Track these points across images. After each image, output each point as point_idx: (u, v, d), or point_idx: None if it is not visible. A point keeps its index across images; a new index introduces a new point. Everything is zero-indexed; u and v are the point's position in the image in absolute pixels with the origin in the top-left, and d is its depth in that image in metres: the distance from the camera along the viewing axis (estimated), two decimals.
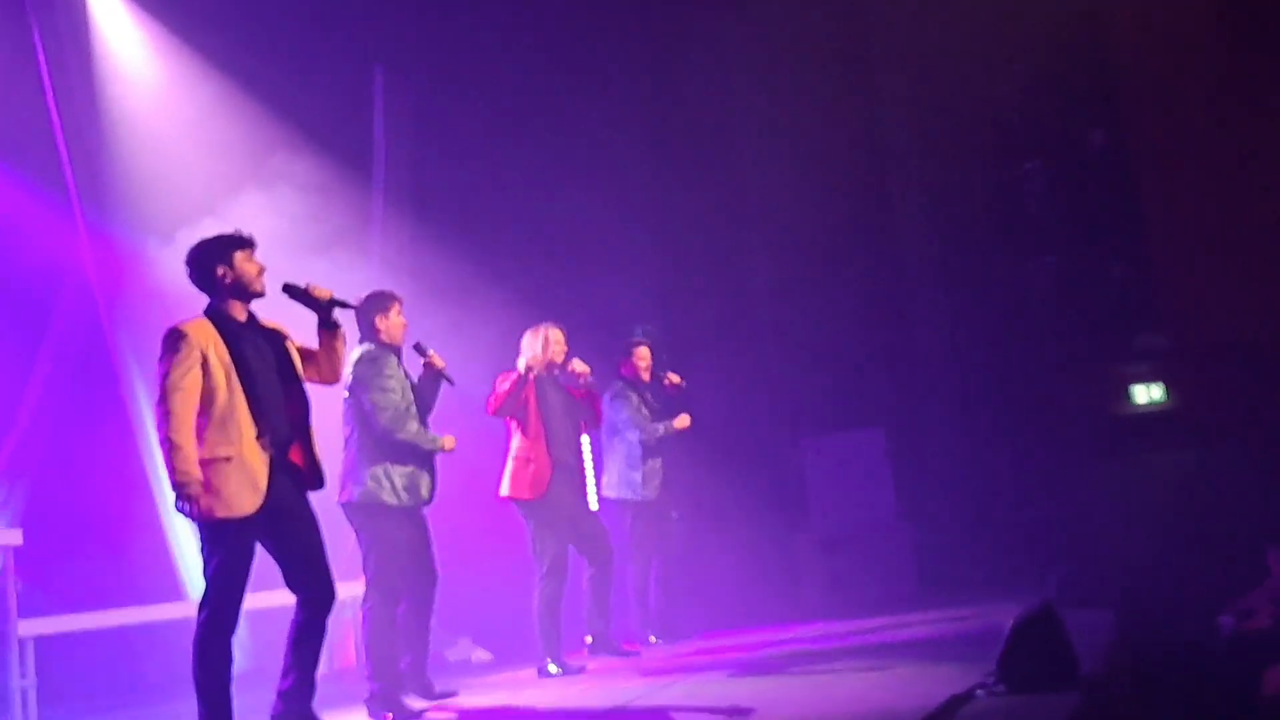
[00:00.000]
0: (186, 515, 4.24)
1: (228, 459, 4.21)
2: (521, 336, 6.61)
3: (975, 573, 8.60)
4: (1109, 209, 9.23)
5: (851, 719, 4.04)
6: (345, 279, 8.11)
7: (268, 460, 4.30)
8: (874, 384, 9.62)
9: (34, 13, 7.82)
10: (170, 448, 4.15)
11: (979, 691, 3.96)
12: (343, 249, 8.50)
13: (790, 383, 9.95)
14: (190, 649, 4.29)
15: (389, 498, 5.36)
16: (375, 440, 5.39)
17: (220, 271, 4.40)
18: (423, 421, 5.56)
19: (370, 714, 5.29)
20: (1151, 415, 8.44)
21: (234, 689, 4.31)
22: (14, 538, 6.76)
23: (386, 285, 8.75)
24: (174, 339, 4.26)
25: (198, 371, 4.21)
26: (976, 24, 9.08)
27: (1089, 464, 8.15)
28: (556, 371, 6.53)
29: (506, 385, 6.30)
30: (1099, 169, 9.42)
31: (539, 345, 6.45)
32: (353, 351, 5.47)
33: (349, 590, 7.83)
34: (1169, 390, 8.42)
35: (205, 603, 4.29)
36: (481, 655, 8.17)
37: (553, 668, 6.24)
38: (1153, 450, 8.03)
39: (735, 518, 9.38)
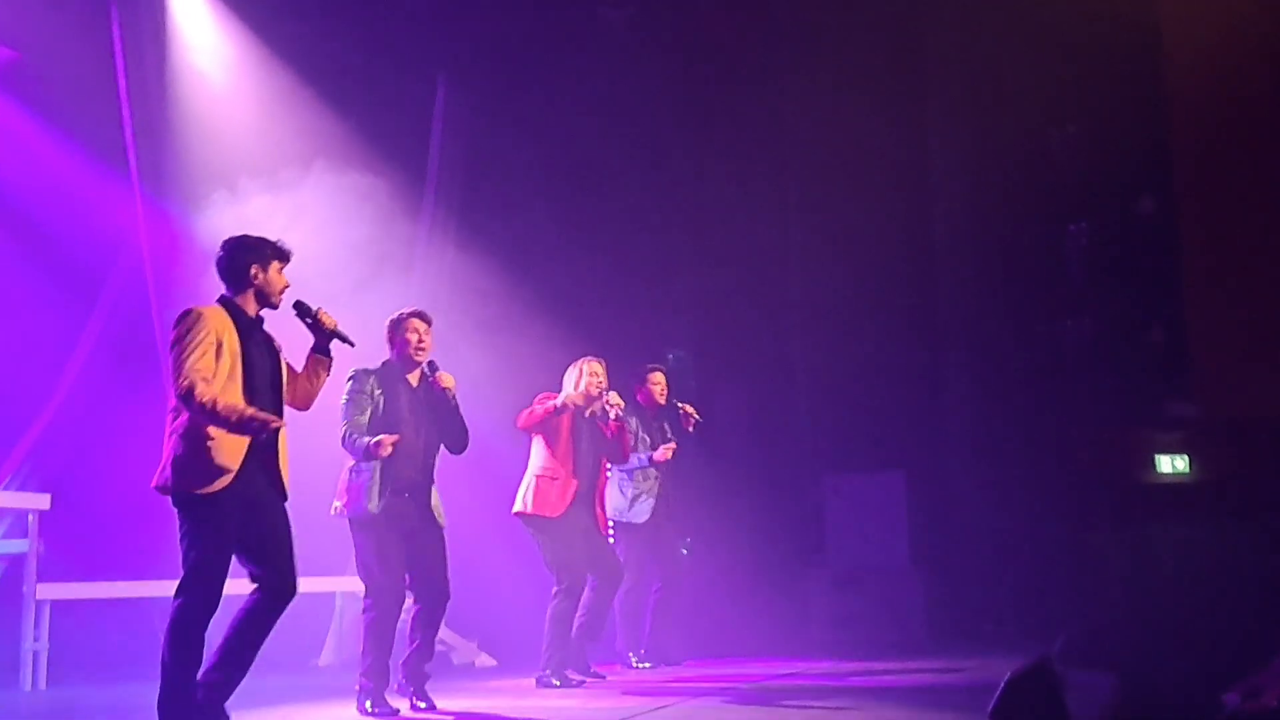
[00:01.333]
0: (266, 432, 4.30)
1: (212, 438, 4.30)
2: (557, 360, 6.76)
3: (983, 625, 8.59)
4: (1150, 275, 9.23)
5: None
6: (386, 287, 8.30)
7: (243, 452, 4.35)
8: (899, 428, 9.65)
9: None
10: (221, 413, 4.22)
11: None
12: (388, 254, 8.66)
13: (816, 419, 9.99)
14: (164, 631, 4.30)
15: (359, 508, 5.44)
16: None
17: (253, 271, 4.55)
18: (445, 441, 5.65)
19: (358, 708, 5.40)
20: (1174, 486, 8.41)
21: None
22: (42, 502, 6.94)
23: (425, 297, 8.99)
24: (194, 320, 4.38)
25: (212, 355, 4.34)
26: (1032, 82, 9.14)
27: (1107, 528, 8.13)
28: (596, 406, 6.59)
29: (542, 409, 6.41)
30: (1145, 235, 9.42)
31: (576, 379, 6.57)
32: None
33: (358, 584, 7.96)
34: (1193, 463, 8.40)
35: (184, 586, 4.30)
36: (486, 661, 8.25)
37: (554, 680, 6.32)
38: (1172, 521, 8.00)
39: (750, 548, 9.42)
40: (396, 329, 5.69)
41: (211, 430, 4.29)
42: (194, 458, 4.29)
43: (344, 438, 5.47)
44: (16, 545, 7.15)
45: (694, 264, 10.19)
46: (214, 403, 4.25)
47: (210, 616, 4.35)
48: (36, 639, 6.67)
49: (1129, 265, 9.36)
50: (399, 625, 5.62)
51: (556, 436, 6.50)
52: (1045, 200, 9.54)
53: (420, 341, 5.65)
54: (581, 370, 6.60)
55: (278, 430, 4.44)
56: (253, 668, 4.51)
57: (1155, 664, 6.27)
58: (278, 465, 4.51)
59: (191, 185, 8.26)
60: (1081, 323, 9.44)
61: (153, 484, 4.42)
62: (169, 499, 4.38)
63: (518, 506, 6.51)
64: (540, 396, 6.56)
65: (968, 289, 9.82)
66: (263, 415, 4.31)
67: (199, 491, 4.28)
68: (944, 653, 7.50)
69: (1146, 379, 9.05)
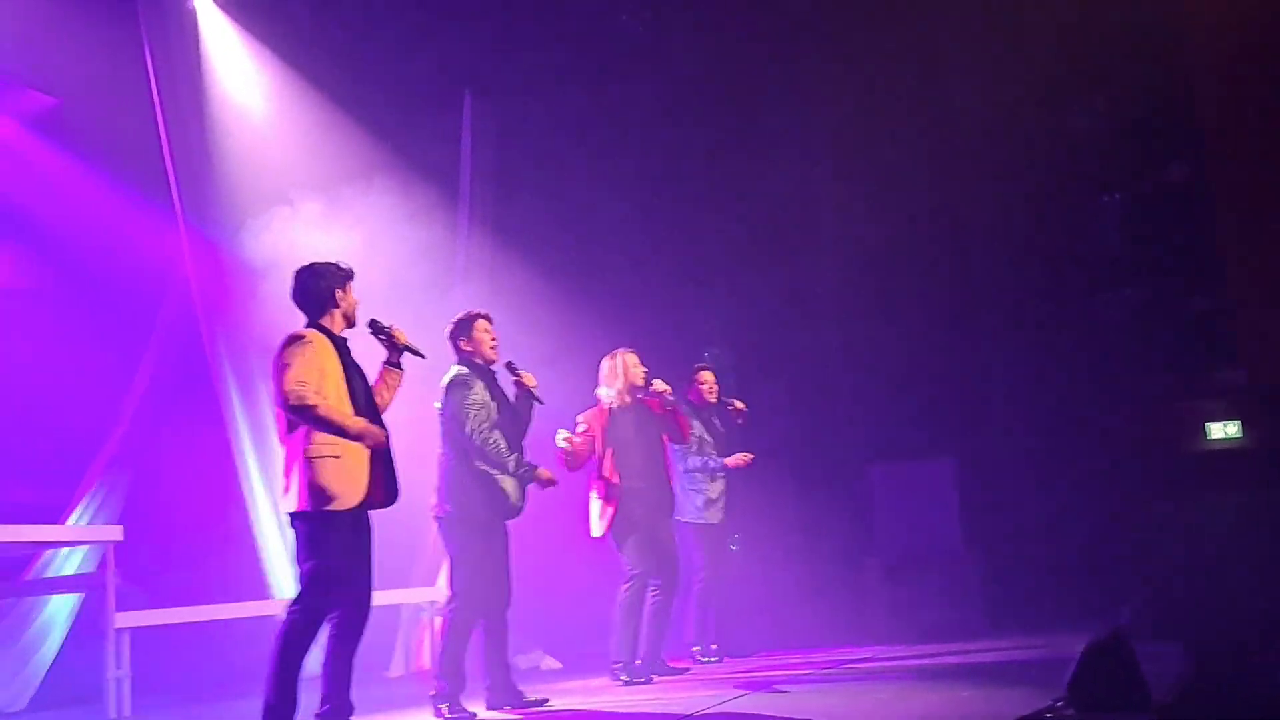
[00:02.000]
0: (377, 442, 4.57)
1: (335, 457, 4.54)
2: (595, 361, 6.82)
3: (1042, 605, 8.58)
4: (1188, 243, 9.19)
5: None
6: (429, 298, 8.43)
7: (368, 460, 4.62)
8: (945, 413, 9.65)
9: (146, 29, 8.21)
10: (336, 422, 4.50)
11: (1047, 715, 4.02)
12: (429, 267, 8.79)
13: (861, 409, 10.00)
14: (274, 639, 4.52)
15: (478, 513, 5.57)
16: (463, 458, 5.60)
17: (337, 294, 4.81)
18: (517, 439, 5.75)
19: (434, 712, 5.51)
20: (1226, 453, 8.38)
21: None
22: (115, 534, 7.10)
23: (468, 305, 9.10)
24: (301, 342, 4.61)
25: (319, 374, 4.56)
26: (1057, 54, 9.12)
27: (1161, 500, 8.11)
28: (640, 395, 6.68)
29: (569, 449, 6.43)
30: (1178, 202, 9.38)
31: (618, 372, 6.64)
32: (447, 373, 5.72)
33: (426, 595, 8.10)
34: (1245, 427, 8.36)
35: (305, 595, 4.53)
36: (551, 664, 8.36)
37: (624, 675, 6.41)
38: (1227, 488, 7.97)
39: (801, 540, 9.46)
40: (469, 329, 5.79)
41: (346, 447, 4.53)
42: (336, 474, 4.51)
43: (482, 445, 5.54)
44: (93, 577, 7.33)
45: (729, 261, 10.24)
46: (329, 411, 4.50)
47: (318, 628, 4.57)
48: (119, 667, 6.81)
49: (1166, 233, 9.32)
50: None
51: (599, 453, 6.57)
52: (1078, 172, 9.51)
53: (494, 341, 5.81)
54: (623, 361, 6.68)
55: (386, 441, 4.68)
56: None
57: (1221, 632, 6.29)
58: (394, 476, 4.73)
59: (233, 212, 8.43)
60: (1122, 294, 9.41)
61: (286, 510, 4.62)
62: (299, 521, 4.58)
63: (593, 532, 6.57)
64: (581, 420, 6.62)
65: (1005, 268, 9.80)
66: (374, 428, 4.59)
67: (341, 507, 4.51)
68: (1004, 634, 7.53)
69: (1192, 347, 9.01)
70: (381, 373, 4.97)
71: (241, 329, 8.29)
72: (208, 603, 7.65)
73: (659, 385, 6.69)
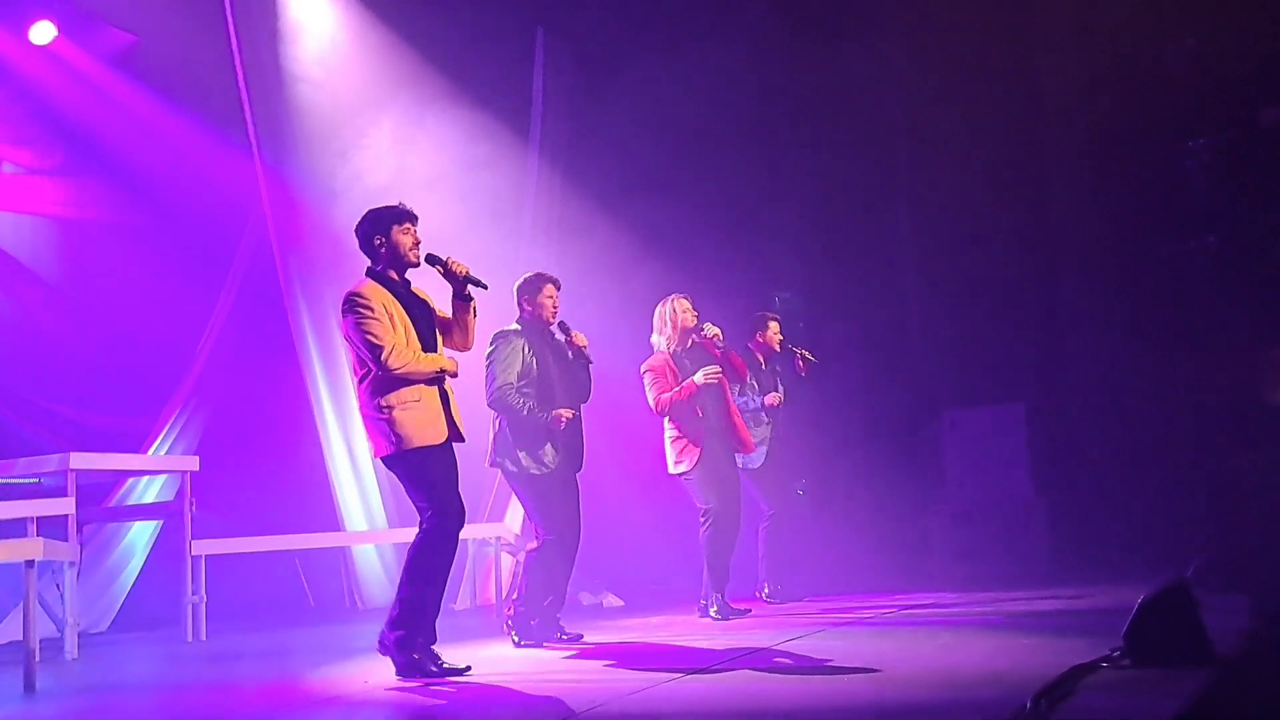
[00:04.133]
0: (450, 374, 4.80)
1: (417, 400, 4.73)
2: (654, 309, 6.84)
3: (1110, 554, 8.48)
4: (1276, 190, 8.88)
5: (974, 680, 4.12)
6: (499, 235, 8.47)
7: (442, 400, 4.79)
8: (1017, 359, 9.52)
9: None
10: (430, 372, 4.71)
11: (1104, 664, 3.99)
12: (499, 205, 8.83)
13: (932, 355, 9.90)
14: (409, 567, 4.73)
15: (533, 470, 5.77)
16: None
17: (377, 241, 4.87)
18: (573, 399, 5.88)
19: (519, 637, 5.70)
20: None
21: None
22: (191, 464, 7.32)
23: (538, 244, 9.13)
24: (360, 301, 4.72)
25: (388, 324, 4.70)
26: None
27: (1236, 451, 7.93)
28: (694, 338, 6.70)
29: (681, 393, 6.50)
30: (1268, 148, 9.06)
31: (667, 318, 6.66)
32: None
33: (493, 531, 8.24)
34: None
35: (429, 525, 4.72)
36: (613, 601, 8.48)
37: (713, 610, 6.54)
38: None
39: (870, 486, 9.44)
40: (534, 292, 5.92)
41: (421, 391, 4.70)
42: (418, 416, 4.69)
43: (497, 398, 5.73)
44: (171, 505, 7.57)
45: (799, 204, 10.13)
46: (414, 362, 4.68)
47: (454, 549, 4.77)
48: (195, 592, 7.05)
49: (1253, 180, 9.01)
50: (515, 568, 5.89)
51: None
52: (1163, 117, 9.22)
53: (556, 305, 5.96)
54: (674, 307, 6.70)
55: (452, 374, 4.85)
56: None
57: None
58: (452, 412, 4.84)
59: (307, 147, 8.52)
60: (1206, 242, 9.14)
61: (376, 455, 4.82)
62: (392, 465, 4.78)
63: (682, 468, 6.60)
64: (649, 370, 6.64)
65: (1085, 213, 9.58)
66: (446, 361, 4.79)
67: (432, 442, 4.69)
68: (1070, 583, 7.46)
69: (1275, 297, 8.75)
70: (454, 309, 5.01)
71: (316, 263, 8.44)
72: (281, 533, 7.86)
73: (710, 329, 6.69)
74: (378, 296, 4.73)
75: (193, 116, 8.62)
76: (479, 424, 5.85)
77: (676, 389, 6.53)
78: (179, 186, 8.56)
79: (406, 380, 4.69)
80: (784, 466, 7.68)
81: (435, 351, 4.88)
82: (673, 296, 6.79)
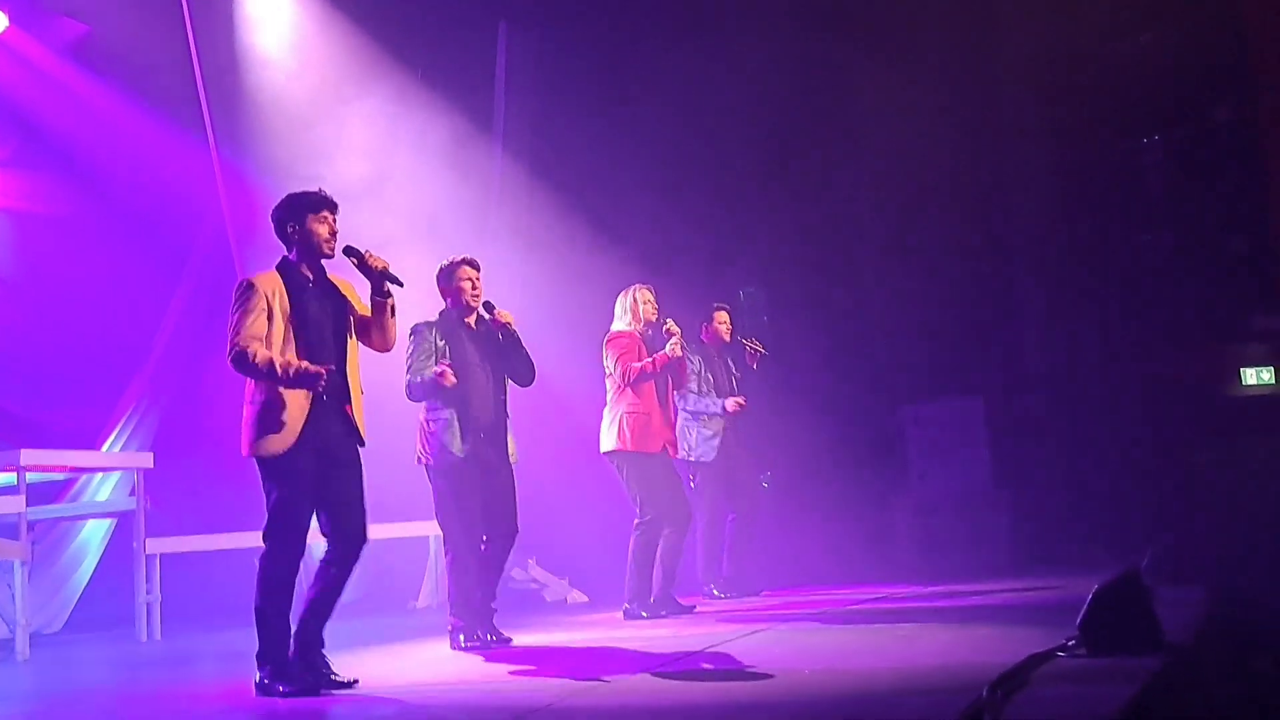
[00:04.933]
0: (320, 387, 4.41)
1: (276, 399, 4.44)
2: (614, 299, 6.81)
3: (1070, 545, 8.56)
4: (1230, 186, 9.00)
5: (931, 671, 4.15)
6: (462, 232, 8.42)
7: (307, 407, 4.46)
8: (976, 353, 9.59)
9: None
10: (269, 370, 4.37)
11: (1059, 653, 4.03)
12: (461, 200, 8.78)
13: (893, 349, 9.96)
14: (255, 581, 4.50)
15: (447, 457, 5.57)
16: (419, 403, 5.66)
17: (290, 228, 4.60)
18: (514, 378, 5.76)
19: (451, 644, 5.61)
20: (1260, 399, 8.28)
21: (293, 618, 4.51)
22: (145, 460, 7.23)
23: (501, 240, 9.07)
24: (244, 290, 4.51)
25: (263, 319, 4.45)
26: None
27: (1192, 444, 8.04)
28: (649, 331, 6.68)
29: (651, 364, 6.47)
30: (1223, 144, 9.18)
31: (629, 307, 6.64)
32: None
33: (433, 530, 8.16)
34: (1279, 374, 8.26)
35: (266, 536, 4.50)
36: (577, 597, 8.45)
37: (642, 612, 6.48)
38: (1260, 434, 7.88)
39: (832, 481, 9.46)
40: (450, 278, 5.76)
41: (274, 392, 4.42)
42: (263, 420, 4.43)
43: (408, 386, 5.59)
44: (125, 503, 7.46)
45: (762, 200, 10.15)
46: (267, 361, 4.37)
47: (295, 565, 4.53)
48: (149, 592, 6.96)
49: (1207, 176, 9.13)
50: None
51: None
52: (1118, 113, 9.32)
53: (475, 288, 5.75)
54: (635, 298, 6.67)
55: (342, 377, 4.55)
56: (353, 610, 4.66)
57: (1244, 577, 6.25)
58: (350, 412, 4.59)
59: (265, 140, 8.43)
60: (1160, 236, 9.25)
61: (242, 453, 4.57)
62: (252, 461, 4.53)
63: (611, 445, 6.55)
64: (614, 343, 6.61)
65: (1041, 207, 9.67)
66: (312, 367, 4.39)
67: (272, 452, 4.42)
68: (1031, 574, 7.53)
69: (1229, 291, 8.86)
70: (373, 306, 4.69)
71: (272, 257, 8.33)
72: (237, 530, 7.77)
73: (671, 328, 6.67)
74: (265, 285, 4.48)
75: (147, 108, 8.49)
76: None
77: (649, 359, 6.48)
78: (133, 179, 8.44)
79: (265, 376, 4.40)
80: (743, 465, 7.66)
81: (342, 349, 4.60)
82: (635, 286, 6.75)
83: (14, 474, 6.38)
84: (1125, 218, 9.37)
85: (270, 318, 4.44)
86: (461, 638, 5.59)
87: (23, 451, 6.39)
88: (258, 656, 4.51)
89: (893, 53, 9.50)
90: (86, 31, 8.45)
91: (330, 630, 4.70)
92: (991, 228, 9.76)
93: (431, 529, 8.29)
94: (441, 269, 5.80)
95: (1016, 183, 9.73)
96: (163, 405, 8.39)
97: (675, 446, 6.84)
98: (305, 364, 4.40)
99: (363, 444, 4.67)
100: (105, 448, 8.01)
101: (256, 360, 4.37)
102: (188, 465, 8.11)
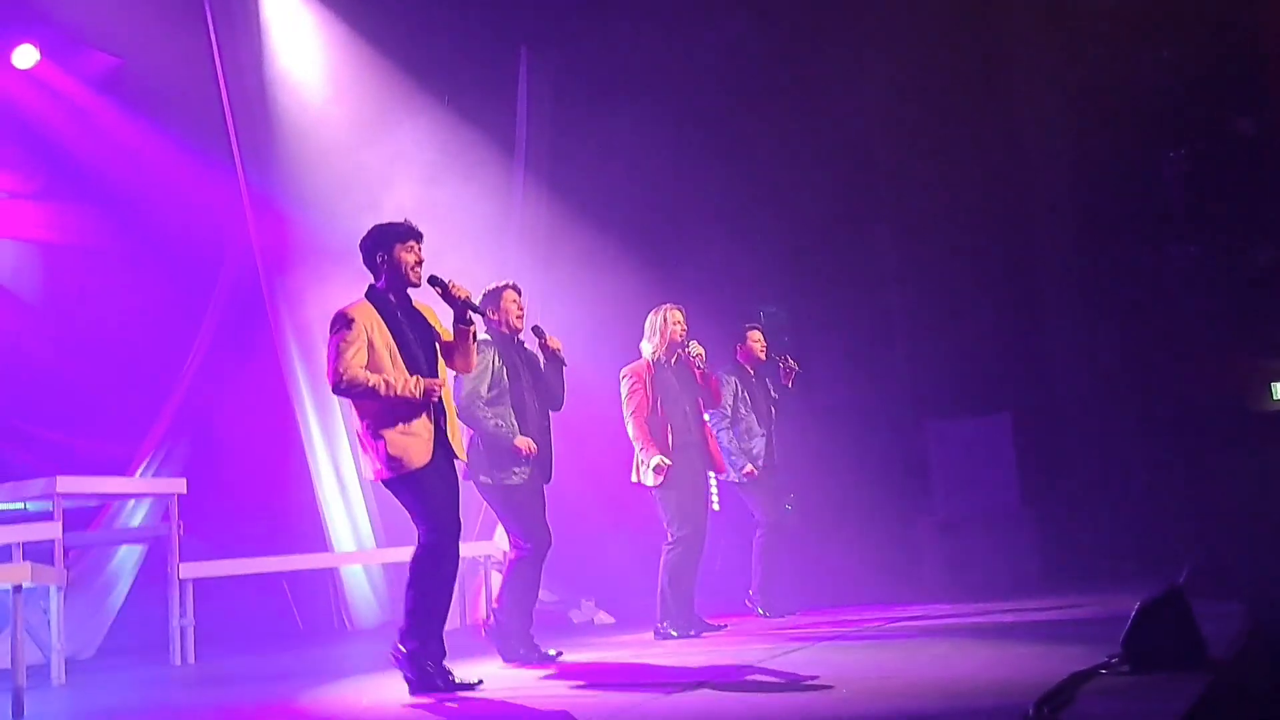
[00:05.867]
0: (435, 393, 4.69)
1: (402, 423, 4.69)
2: (645, 316, 6.84)
3: (1100, 561, 8.52)
4: (1255, 198, 8.99)
5: (973, 689, 4.13)
6: (486, 251, 8.47)
7: (432, 425, 4.74)
8: (1002, 369, 9.57)
9: None
10: (386, 391, 4.62)
11: (1103, 670, 4.01)
12: (485, 221, 8.83)
13: (916, 366, 9.95)
14: (408, 572, 4.74)
15: (507, 481, 5.72)
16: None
17: (379, 258, 4.84)
18: (549, 402, 5.86)
19: (505, 659, 5.65)
20: None
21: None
22: (179, 486, 7.26)
23: (524, 261, 9.13)
24: (343, 322, 4.70)
25: (365, 351, 4.65)
26: (1123, 7, 8.92)
27: (1223, 458, 7.99)
28: (679, 351, 6.70)
29: (636, 428, 6.53)
30: (1246, 156, 9.18)
31: (659, 327, 6.67)
32: None
33: (482, 549, 8.21)
34: None
35: (423, 537, 4.73)
36: (604, 618, 8.45)
37: (672, 631, 6.48)
38: None
39: (857, 498, 9.45)
40: (496, 301, 5.88)
41: (398, 415, 4.65)
42: (395, 444, 4.64)
43: (464, 407, 5.64)
44: (159, 528, 7.51)
45: (783, 219, 10.18)
46: (379, 383, 4.61)
47: (450, 556, 4.75)
48: (182, 616, 6.99)
49: (1231, 188, 9.12)
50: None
51: (654, 402, 6.59)
52: (1142, 127, 9.32)
53: (520, 311, 5.91)
54: (665, 318, 6.70)
55: (444, 416, 4.78)
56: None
57: None
58: (447, 430, 4.81)
59: (293, 170, 8.51)
60: (1185, 249, 9.24)
61: (372, 479, 4.80)
62: (389, 487, 4.77)
63: (633, 478, 6.61)
64: (627, 374, 6.65)
65: (1065, 222, 9.66)
66: (425, 380, 4.69)
67: (415, 466, 4.65)
68: (1061, 591, 7.48)
69: (1257, 305, 8.83)
70: (455, 333, 4.96)
71: (301, 283, 8.41)
72: (268, 554, 7.81)
73: (695, 349, 6.69)
74: (362, 317, 4.70)
75: (177, 139, 8.59)
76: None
77: (639, 432, 6.51)
78: (163, 209, 8.53)
79: (391, 405, 4.65)
80: (777, 476, 7.65)
81: (434, 370, 4.83)
82: (666, 306, 6.77)
83: (50, 500, 6.42)
84: (1150, 231, 9.37)
85: (372, 347, 4.66)
86: (500, 652, 5.67)
87: (58, 479, 6.44)
88: (413, 653, 4.68)
89: (914, 72, 9.54)
90: (117, 64, 8.56)
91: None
92: (1016, 243, 9.76)
93: (460, 550, 8.33)
94: (487, 293, 5.91)
95: (1041, 197, 9.73)
96: (194, 432, 8.45)
97: (717, 465, 6.87)
98: (418, 378, 4.68)
99: (463, 460, 4.95)
100: (139, 474, 8.06)
101: (363, 382, 4.60)
102: (219, 490, 8.17)
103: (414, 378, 4.68)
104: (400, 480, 4.70)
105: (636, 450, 6.60)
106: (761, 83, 9.97)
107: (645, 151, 9.59)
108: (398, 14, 8.86)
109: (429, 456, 4.70)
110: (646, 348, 6.74)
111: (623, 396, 6.64)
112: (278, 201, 8.43)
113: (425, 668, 4.69)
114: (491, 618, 5.86)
